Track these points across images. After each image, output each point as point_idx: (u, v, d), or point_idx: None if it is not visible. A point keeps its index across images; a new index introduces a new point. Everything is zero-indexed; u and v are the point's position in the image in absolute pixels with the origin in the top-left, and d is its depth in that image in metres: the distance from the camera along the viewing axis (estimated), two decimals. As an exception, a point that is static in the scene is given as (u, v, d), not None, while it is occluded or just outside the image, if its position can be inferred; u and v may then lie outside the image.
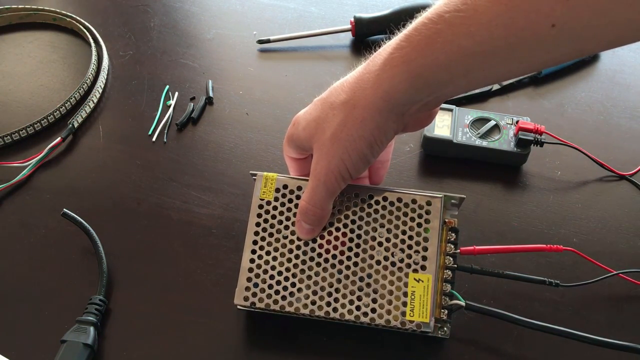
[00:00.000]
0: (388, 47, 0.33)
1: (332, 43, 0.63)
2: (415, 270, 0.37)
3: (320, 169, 0.35)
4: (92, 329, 0.41)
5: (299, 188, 0.40)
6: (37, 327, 0.42)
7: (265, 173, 0.41)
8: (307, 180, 0.39)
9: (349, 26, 0.62)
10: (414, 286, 0.37)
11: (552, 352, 0.40)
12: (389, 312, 0.36)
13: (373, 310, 0.36)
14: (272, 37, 0.62)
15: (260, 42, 0.62)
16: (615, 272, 0.42)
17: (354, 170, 0.35)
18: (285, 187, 0.40)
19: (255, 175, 0.41)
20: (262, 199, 0.40)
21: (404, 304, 0.37)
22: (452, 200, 0.40)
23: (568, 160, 0.51)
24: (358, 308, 0.37)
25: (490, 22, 0.29)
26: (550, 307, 0.42)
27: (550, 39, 0.29)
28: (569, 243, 0.46)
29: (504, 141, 0.50)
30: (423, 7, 0.60)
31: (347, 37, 0.63)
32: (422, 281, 0.37)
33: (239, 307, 0.40)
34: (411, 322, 0.36)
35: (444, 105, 0.52)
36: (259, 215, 0.40)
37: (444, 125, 0.51)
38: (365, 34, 0.62)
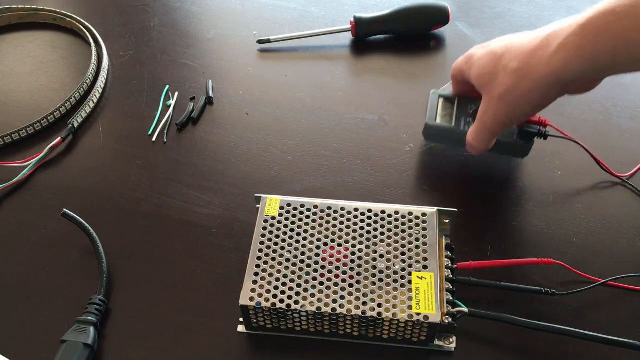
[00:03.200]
0: (563, 32, 0.38)
1: (332, 43, 0.63)
2: (417, 270, 0.39)
3: (487, 118, 0.43)
4: (92, 329, 0.41)
5: (302, 205, 0.43)
6: (37, 327, 0.42)
7: (269, 196, 0.43)
8: (310, 199, 0.43)
9: (349, 26, 0.62)
10: (417, 283, 0.39)
11: (556, 352, 0.40)
12: (395, 306, 0.37)
13: (380, 305, 0.38)
14: (272, 37, 0.62)
15: (260, 42, 0.62)
16: (602, 281, 0.42)
17: (516, 122, 0.43)
18: (289, 205, 0.43)
19: (260, 197, 0.44)
20: (267, 215, 0.42)
21: (410, 299, 0.38)
22: (445, 221, 0.43)
23: (568, 160, 0.51)
24: (365, 304, 0.38)
25: None
26: (549, 307, 0.42)
27: None
28: (569, 243, 0.46)
29: (507, 132, 0.48)
30: (423, 7, 0.61)
31: (347, 37, 0.63)
32: (425, 278, 0.39)
33: (240, 329, 0.41)
34: (418, 314, 0.37)
35: (446, 95, 0.51)
36: (264, 228, 0.42)
37: (446, 114, 0.50)
38: (365, 34, 0.62)
